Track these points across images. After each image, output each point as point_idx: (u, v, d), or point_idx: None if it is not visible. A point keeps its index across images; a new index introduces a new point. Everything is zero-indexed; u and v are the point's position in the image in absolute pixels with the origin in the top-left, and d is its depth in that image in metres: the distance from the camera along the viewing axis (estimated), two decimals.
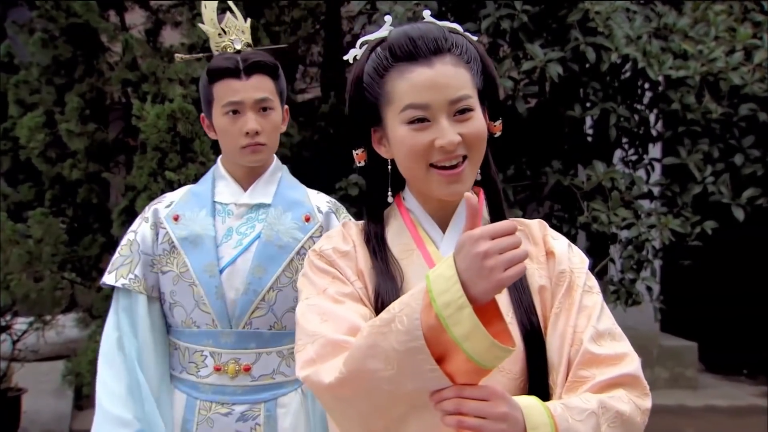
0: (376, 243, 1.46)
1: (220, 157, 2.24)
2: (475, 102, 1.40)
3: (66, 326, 5.60)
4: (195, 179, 4.44)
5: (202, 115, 2.22)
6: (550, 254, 1.47)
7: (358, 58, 1.47)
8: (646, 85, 4.51)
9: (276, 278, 2.10)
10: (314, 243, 2.09)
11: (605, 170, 4.14)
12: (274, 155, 2.24)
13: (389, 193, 1.48)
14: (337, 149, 4.92)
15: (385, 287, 1.40)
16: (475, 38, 1.48)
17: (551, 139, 4.47)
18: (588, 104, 4.30)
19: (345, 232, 1.51)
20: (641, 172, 4.56)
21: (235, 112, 2.10)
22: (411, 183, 1.48)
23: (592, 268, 4.66)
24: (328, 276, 1.42)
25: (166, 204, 2.20)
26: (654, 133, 4.71)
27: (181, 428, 2.10)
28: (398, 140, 1.40)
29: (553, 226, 5.10)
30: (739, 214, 4.21)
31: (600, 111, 4.21)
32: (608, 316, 1.43)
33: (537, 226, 1.52)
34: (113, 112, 5.59)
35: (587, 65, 4.15)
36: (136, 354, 2.11)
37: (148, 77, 4.80)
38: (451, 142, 1.36)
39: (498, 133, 1.49)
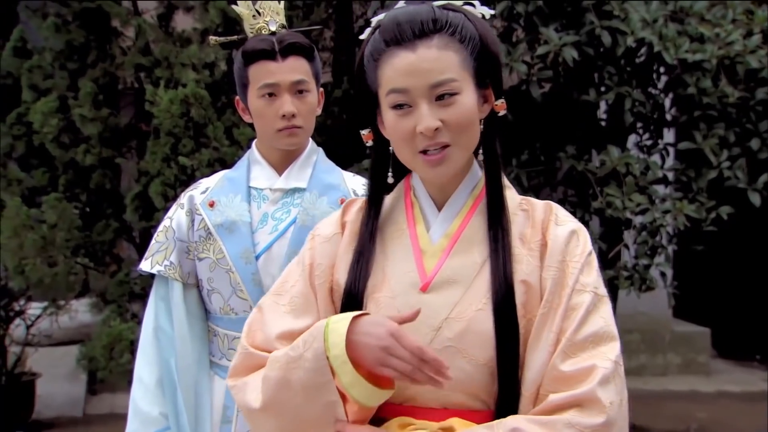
0: (366, 228, 1.48)
1: (255, 141, 2.21)
2: (461, 85, 1.37)
3: (79, 311, 5.63)
4: (208, 164, 4.45)
5: (237, 98, 2.18)
6: (544, 245, 1.41)
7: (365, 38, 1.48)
8: (662, 69, 4.48)
9: None
10: None
11: (620, 155, 4.11)
12: (310, 138, 2.20)
13: (390, 174, 1.48)
14: (350, 134, 4.91)
15: (355, 278, 1.45)
16: (485, 12, 1.45)
17: (565, 124, 4.45)
18: (603, 89, 4.27)
19: (341, 212, 1.55)
20: (656, 157, 4.54)
21: (271, 94, 2.07)
22: None
23: (606, 254, 4.64)
24: (300, 268, 1.52)
25: (201, 190, 2.18)
26: (668, 117, 4.68)
27: (221, 415, 2.10)
28: (388, 125, 1.42)
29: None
30: (756, 199, 4.18)
31: (615, 95, 4.18)
32: (599, 316, 1.35)
33: (542, 208, 1.45)
34: (124, 97, 5.59)
35: (602, 49, 4.12)
36: (171, 343, 2.10)
37: (161, 62, 4.80)
38: (428, 128, 1.35)
39: (502, 112, 1.45)
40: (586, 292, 1.36)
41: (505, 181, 1.48)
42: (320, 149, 2.24)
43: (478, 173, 1.48)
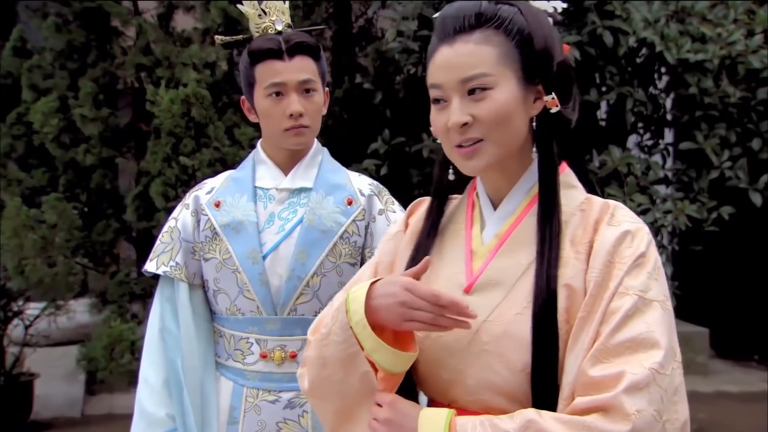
0: (426, 224, 1.49)
1: (260, 141, 2.20)
2: (496, 80, 1.34)
3: (77, 311, 5.61)
4: (209, 164, 4.45)
5: (242, 97, 2.17)
6: (591, 247, 1.33)
7: None
8: (663, 69, 4.48)
9: (320, 263, 2.06)
10: (357, 227, 2.09)
11: (621, 155, 4.11)
12: (315, 138, 2.19)
13: (451, 171, 1.47)
14: (352, 134, 4.91)
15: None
16: (558, 6, 1.43)
17: None
18: (604, 89, 4.27)
19: (408, 212, 1.57)
20: (657, 157, 4.54)
21: (278, 93, 2.06)
22: None
23: None
24: (371, 265, 1.56)
25: (206, 190, 2.17)
26: (669, 117, 4.68)
27: (228, 415, 2.08)
28: (431, 120, 1.41)
29: None
30: (757, 199, 4.18)
31: (616, 95, 4.18)
32: (642, 321, 1.26)
33: (599, 208, 1.37)
34: (123, 97, 5.58)
35: (603, 49, 4.12)
36: (177, 344, 2.09)
37: (161, 62, 4.80)
38: (455, 122, 1.34)
39: (554, 109, 1.37)
40: (629, 295, 1.27)
41: (571, 180, 1.43)
42: (325, 149, 2.23)
43: (537, 173, 1.41)
